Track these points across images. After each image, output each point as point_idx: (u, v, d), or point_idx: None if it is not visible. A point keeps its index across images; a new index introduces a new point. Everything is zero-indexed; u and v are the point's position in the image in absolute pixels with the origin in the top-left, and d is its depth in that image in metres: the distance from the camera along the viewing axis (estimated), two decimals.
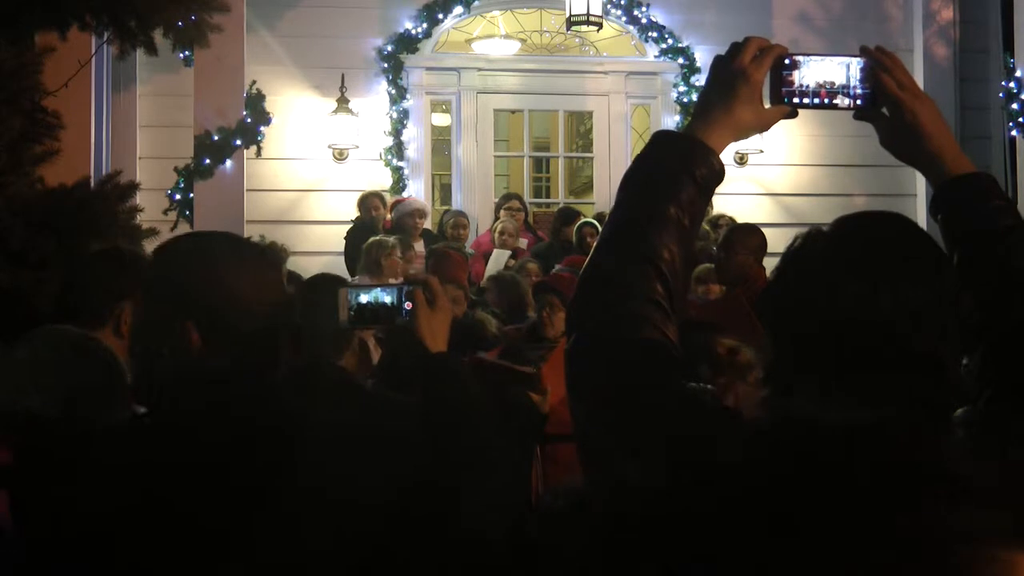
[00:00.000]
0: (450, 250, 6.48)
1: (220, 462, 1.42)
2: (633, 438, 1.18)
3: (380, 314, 1.73)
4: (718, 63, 1.38)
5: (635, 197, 1.35)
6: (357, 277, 6.26)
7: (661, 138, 1.38)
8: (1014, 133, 8.14)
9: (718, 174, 1.34)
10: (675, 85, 8.70)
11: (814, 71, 1.40)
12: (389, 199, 7.79)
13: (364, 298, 1.73)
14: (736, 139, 1.37)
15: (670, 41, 8.62)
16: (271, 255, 1.65)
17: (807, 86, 1.40)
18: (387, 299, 1.73)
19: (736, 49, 1.37)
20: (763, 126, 1.39)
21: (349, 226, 7.69)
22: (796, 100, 1.40)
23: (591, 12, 7.75)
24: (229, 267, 1.54)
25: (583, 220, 7.77)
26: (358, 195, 7.75)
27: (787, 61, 1.39)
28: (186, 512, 1.39)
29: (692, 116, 1.40)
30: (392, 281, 4.76)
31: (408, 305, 1.72)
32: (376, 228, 7.27)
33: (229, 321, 1.50)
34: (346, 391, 2.44)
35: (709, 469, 1.13)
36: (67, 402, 2.00)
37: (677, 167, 1.32)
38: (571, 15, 7.81)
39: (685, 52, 8.61)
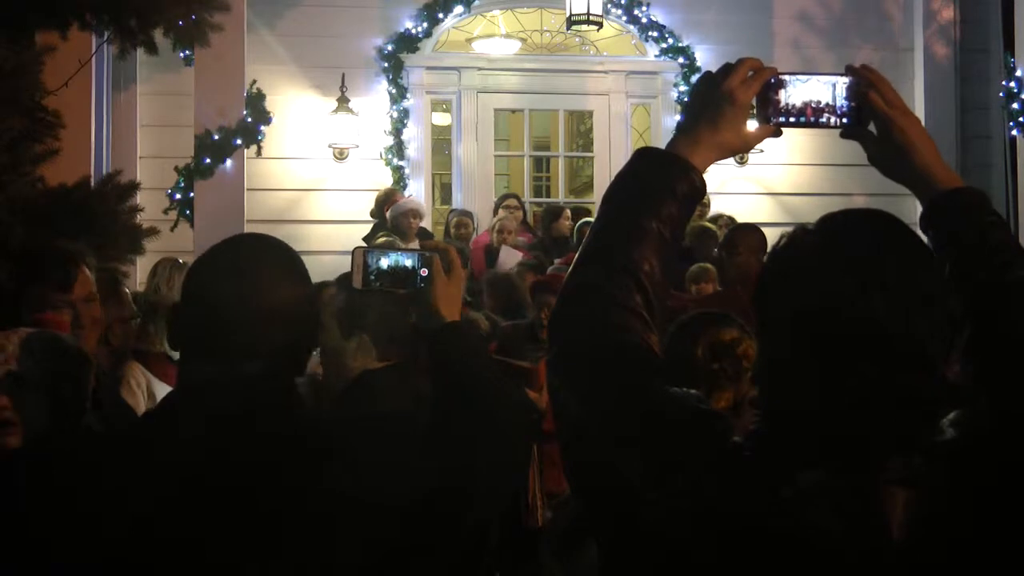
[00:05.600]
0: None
1: (243, 468, 1.42)
2: (614, 443, 1.19)
3: (399, 277, 1.72)
4: (707, 81, 1.40)
5: (617, 211, 1.37)
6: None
7: (644, 154, 1.41)
8: (1015, 133, 8.13)
9: (699, 191, 1.37)
10: (675, 84, 8.70)
11: (801, 90, 1.42)
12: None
13: (385, 261, 1.72)
14: (719, 159, 1.40)
15: (670, 40, 8.61)
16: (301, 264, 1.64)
17: (793, 105, 1.42)
18: (407, 263, 1.72)
19: (727, 70, 1.38)
20: (747, 147, 1.43)
21: (350, 226, 7.70)
22: (782, 119, 1.42)
23: (591, 11, 7.74)
24: (270, 280, 1.54)
25: (583, 220, 7.77)
26: (374, 195, 7.76)
27: (773, 80, 1.41)
28: (206, 516, 1.39)
29: (676, 130, 1.42)
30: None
31: (424, 272, 1.71)
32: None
33: (262, 335, 1.50)
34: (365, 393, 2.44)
35: (690, 470, 1.14)
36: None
37: (659, 183, 1.35)
38: (571, 14, 7.81)
39: (685, 51, 8.60)
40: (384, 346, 2.72)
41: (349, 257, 1.74)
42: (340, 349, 2.70)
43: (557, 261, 6.75)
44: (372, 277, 1.72)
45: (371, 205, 7.81)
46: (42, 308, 2.57)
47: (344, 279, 2.90)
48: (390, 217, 7.33)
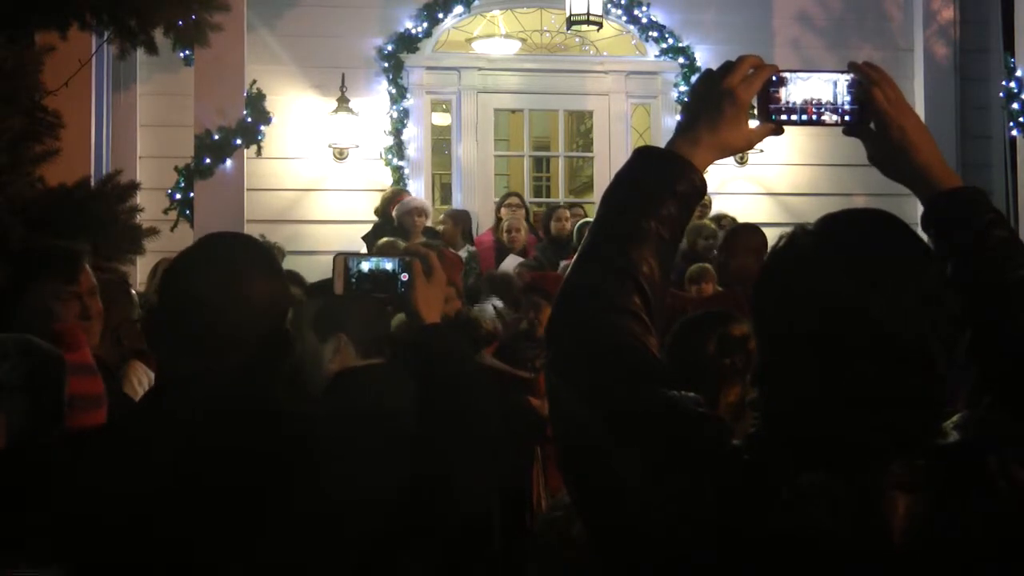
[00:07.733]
0: (444, 249, 6.48)
1: (224, 463, 1.42)
2: (613, 445, 1.19)
3: (380, 281, 1.74)
4: (707, 79, 1.38)
5: (616, 211, 1.36)
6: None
7: (644, 153, 1.40)
8: (1014, 132, 8.14)
9: (699, 191, 1.35)
10: (675, 85, 8.69)
11: (802, 88, 1.41)
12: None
13: (366, 266, 1.74)
14: (720, 158, 1.39)
15: (670, 40, 8.61)
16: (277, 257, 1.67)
17: (794, 103, 1.41)
18: (388, 266, 1.75)
19: (727, 68, 1.37)
20: (748, 145, 1.41)
21: (350, 226, 7.69)
22: (783, 117, 1.41)
23: (591, 11, 7.74)
24: (245, 273, 1.56)
25: (582, 221, 7.77)
26: (374, 195, 7.76)
27: (775, 78, 1.39)
28: (196, 511, 1.39)
29: (676, 130, 1.40)
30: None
31: (404, 276, 1.73)
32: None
33: (243, 326, 1.52)
34: (346, 387, 2.44)
35: (688, 473, 1.14)
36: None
37: (659, 183, 1.34)
38: (571, 14, 7.81)
39: (685, 51, 8.60)
40: (365, 345, 2.73)
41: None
42: (317, 353, 2.71)
43: (563, 263, 6.74)
44: (353, 282, 1.73)
45: (371, 205, 7.81)
46: (48, 301, 2.61)
47: (315, 287, 2.93)
48: (396, 215, 7.33)
